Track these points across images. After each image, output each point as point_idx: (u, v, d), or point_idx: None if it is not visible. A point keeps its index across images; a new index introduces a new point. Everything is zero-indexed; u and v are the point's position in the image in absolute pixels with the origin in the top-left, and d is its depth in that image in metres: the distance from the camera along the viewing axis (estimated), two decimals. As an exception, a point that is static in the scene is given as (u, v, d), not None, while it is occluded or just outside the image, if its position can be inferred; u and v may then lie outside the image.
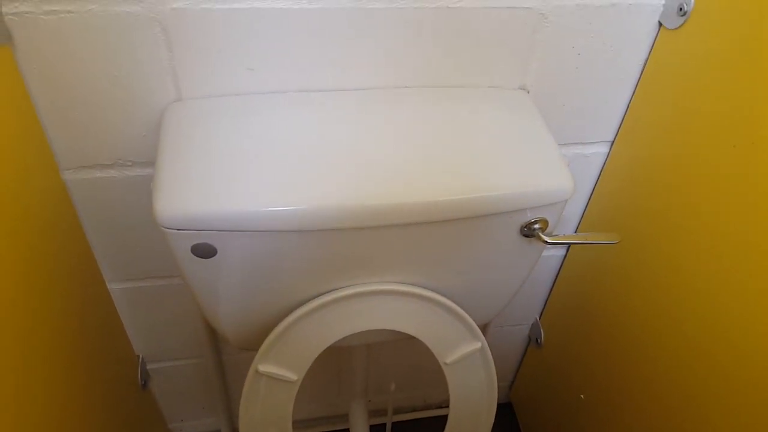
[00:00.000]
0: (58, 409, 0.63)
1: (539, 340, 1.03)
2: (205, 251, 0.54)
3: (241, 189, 0.52)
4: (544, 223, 0.59)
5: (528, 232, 0.60)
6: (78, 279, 0.70)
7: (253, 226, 0.52)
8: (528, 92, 0.68)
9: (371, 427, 1.03)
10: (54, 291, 0.62)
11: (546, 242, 0.59)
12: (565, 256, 0.92)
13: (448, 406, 1.22)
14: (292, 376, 0.67)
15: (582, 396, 0.91)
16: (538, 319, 1.03)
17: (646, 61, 0.68)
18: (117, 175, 0.67)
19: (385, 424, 1.22)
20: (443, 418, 0.78)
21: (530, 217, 0.58)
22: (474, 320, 0.67)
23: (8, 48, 0.54)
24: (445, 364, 0.70)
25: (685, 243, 0.65)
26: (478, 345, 0.68)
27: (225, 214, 0.51)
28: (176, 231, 0.52)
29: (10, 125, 0.54)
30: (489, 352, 0.70)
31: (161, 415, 1.09)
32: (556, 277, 0.96)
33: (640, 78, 0.70)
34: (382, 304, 0.64)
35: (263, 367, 0.65)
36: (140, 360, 0.93)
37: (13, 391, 0.53)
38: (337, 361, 1.04)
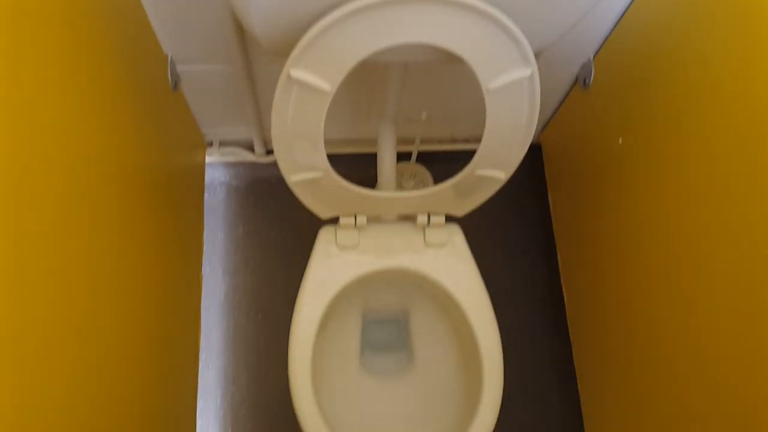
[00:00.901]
0: (88, 104, 0.62)
1: (587, 81, 0.97)
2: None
3: None
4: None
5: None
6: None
7: None
8: None
9: (398, 153, 1.05)
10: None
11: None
12: (638, -11, 0.81)
13: (474, 142, 1.23)
14: (326, 86, 0.64)
15: (620, 140, 0.88)
16: (591, 58, 0.96)
17: None
18: None
19: (411, 153, 1.25)
20: (468, 153, 0.77)
21: None
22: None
23: None
24: (488, 90, 0.66)
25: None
26: (528, 72, 0.63)
27: None
28: None
29: None
30: (538, 82, 0.65)
31: (193, 118, 1.11)
32: (621, 16, 0.86)
33: None
34: (429, 16, 0.57)
35: (296, 73, 0.62)
36: (169, 59, 0.90)
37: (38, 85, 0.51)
38: (370, 80, 1.01)
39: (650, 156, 0.81)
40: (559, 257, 1.21)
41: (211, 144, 1.21)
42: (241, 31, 0.85)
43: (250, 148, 1.23)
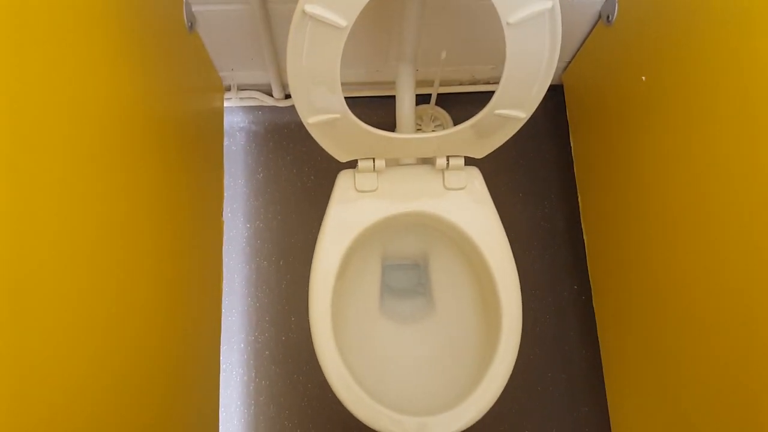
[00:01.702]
0: (103, 50, 0.61)
1: (611, 18, 0.94)
2: None
3: None
4: None
5: None
6: None
7: None
8: None
9: (417, 96, 1.03)
10: None
11: None
12: None
13: (494, 83, 1.20)
14: (341, 21, 0.62)
15: (643, 78, 0.86)
16: (615, -8, 0.92)
17: None
18: None
19: (430, 95, 1.23)
20: (488, 94, 0.75)
21: None
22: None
23: None
24: (508, 24, 0.64)
25: None
26: (549, 4, 0.61)
27: None
28: None
29: None
30: (559, 15, 0.63)
31: (210, 61, 1.10)
32: (652, -59, 0.82)
33: None
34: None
35: (310, 8, 0.60)
36: (185, 0, 0.89)
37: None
38: (388, 17, 0.98)
39: (675, 94, 0.79)
40: (579, 200, 1.20)
41: (229, 88, 1.20)
42: (255, -32, 0.83)
43: (269, 92, 1.22)
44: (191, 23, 0.93)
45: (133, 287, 0.67)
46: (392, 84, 0.92)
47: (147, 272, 0.71)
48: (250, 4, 0.90)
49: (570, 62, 1.17)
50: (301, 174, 1.23)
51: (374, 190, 0.87)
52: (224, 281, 1.17)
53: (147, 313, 0.71)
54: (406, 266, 1.07)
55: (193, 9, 0.93)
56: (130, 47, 0.68)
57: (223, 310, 1.16)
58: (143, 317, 0.70)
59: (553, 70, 0.69)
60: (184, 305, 0.87)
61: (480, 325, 0.90)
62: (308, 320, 0.82)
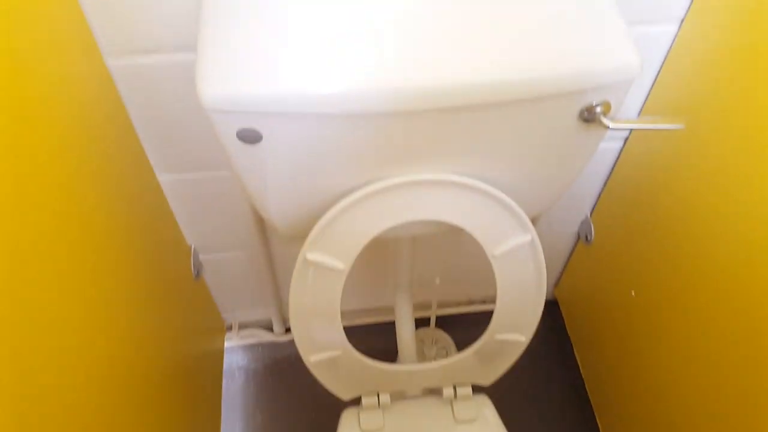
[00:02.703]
0: (114, 299, 0.65)
1: (589, 237, 1.01)
2: (250, 136, 0.53)
3: (287, 69, 0.50)
4: (607, 106, 0.55)
5: (588, 116, 0.56)
6: (128, 169, 0.71)
7: (299, 108, 0.50)
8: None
9: (416, 320, 1.06)
10: (104, 180, 0.63)
11: (608, 127, 0.55)
12: (622, 148, 0.88)
13: (491, 302, 1.24)
14: (340, 265, 0.67)
15: (633, 292, 0.89)
16: (588, 215, 1.01)
17: None
18: (161, 61, 0.65)
19: (429, 318, 1.25)
20: (486, 314, 0.78)
21: (592, 99, 0.54)
22: (525, 212, 0.65)
23: None
24: (494, 256, 0.69)
25: (758, 136, 0.60)
26: (528, 238, 0.67)
27: (271, 95, 0.49)
28: (221, 114, 0.50)
29: (50, 8, 0.52)
30: (539, 245, 0.68)
31: (214, 305, 1.14)
32: (611, 172, 0.92)
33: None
34: (431, 195, 0.62)
35: (311, 256, 0.66)
36: (192, 250, 0.96)
37: (68, 278, 0.54)
38: (382, 253, 1.05)
39: (667, 305, 0.81)
40: (598, 421, 1.15)
41: (230, 327, 1.23)
42: (260, 220, 0.91)
43: (269, 327, 1.24)
44: (198, 271, 0.98)
45: None
46: (390, 309, 0.95)
47: None
48: (254, 249, 0.97)
49: (560, 278, 1.22)
50: (301, 414, 1.18)
51: (380, 430, 0.83)
52: None
53: None
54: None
55: (201, 257, 1.00)
56: (138, 297, 0.72)
57: None
58: None
59: (544, 295, 0.73)
60: None
61: None
62: None
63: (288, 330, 1.25)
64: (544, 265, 0.70)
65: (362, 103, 0.50)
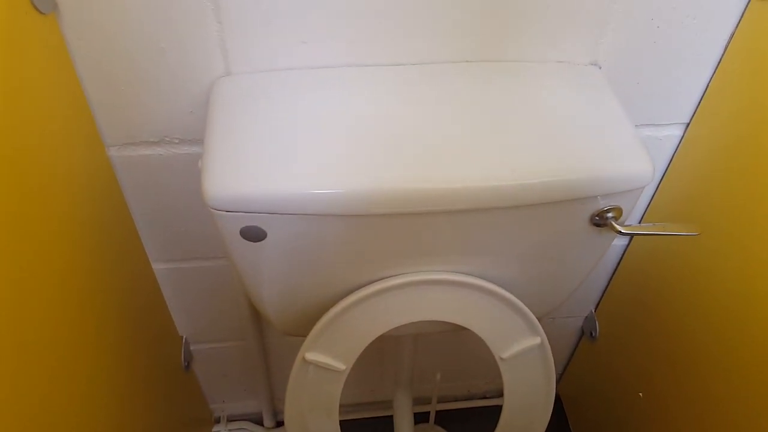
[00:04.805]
0: (101, 388, 0.62)
1: (593, 334, 0.98)
2: (254, 235, 0.52)
3: (293, 170, 0.49)
4: (618, 211, 0.54)
5: (599, 221, 0.55)
6: (123, 258, 0.69)
7: (305, 208, 0.49)
8: (600, 68, 0.62)
9: (415, 414, 1.01)
10: (99, 269, 0.61)
11: (620, 232, 0.54)
12: (627, 246, 0.87)
13: (492, 397, 1.19)
14: (340, 365, 0.64)
15: (641, 394, 0.85)
16: (593, 311, 0.98)
17: (733, 35, 0.62)
18: (163, 153, 0.65)
19: (428, 412, 1.19)
20: (487, 409, 0.74)
21: (603, 204, 0.53)
22: (533, 313, 0.62)
23: (54, 17, 0.51)
24: (501, 359, 0.66)
25: (764, 235, 0.59)
26: (538, 340, 0.64)
27: (276, 196, 0.48)
28: (226, 213, 0.49)
29: (55, 99, 0.52)
30: (549, 348, 0.65)
31: (203, 396, 1.08)
32: (616, 268, 0.91)
33: (723, 54, 0.63)
34: (436, 295, 0.60)
35: (311, 356, 0.62)
36: (184, 341, 0.92)
37: (58, 367, 0.51)
38: (383, 349, 1.01)
39: (675, 409, 0.77)
40: None
41: (218, 420, 1.16)
42: (255, 311, 0.88)
43: (259, 421, 1.18)
44: (188, 362, 0.94)
45: None
46: (388, 402, 0.90)
47: None
48: (248, 341, 0.93)
49: (563, 374, 1.18)
50: None
51: None
52: None
53: None
54: None
55: (192, 347, 0.96)
56: (126, 385, 0.68)
57: None
58: None
59: (552, 399, 0.69)
60: None
61: None
62: None
63: (279, 423, 1.18)
64: (553, 368, 0.67)
65: (369, 204, 0.49)
